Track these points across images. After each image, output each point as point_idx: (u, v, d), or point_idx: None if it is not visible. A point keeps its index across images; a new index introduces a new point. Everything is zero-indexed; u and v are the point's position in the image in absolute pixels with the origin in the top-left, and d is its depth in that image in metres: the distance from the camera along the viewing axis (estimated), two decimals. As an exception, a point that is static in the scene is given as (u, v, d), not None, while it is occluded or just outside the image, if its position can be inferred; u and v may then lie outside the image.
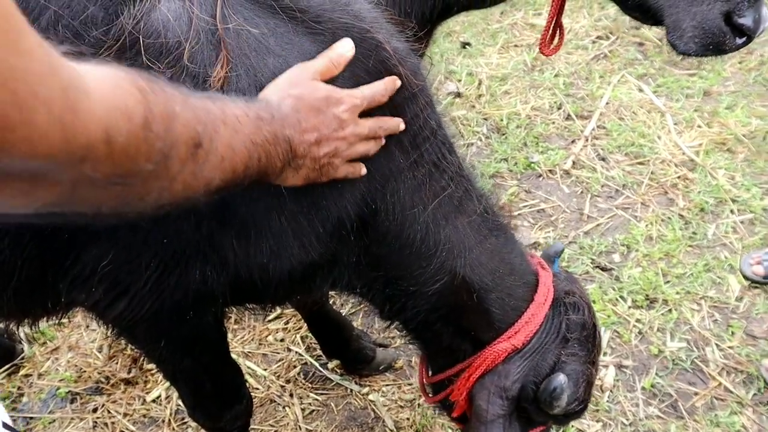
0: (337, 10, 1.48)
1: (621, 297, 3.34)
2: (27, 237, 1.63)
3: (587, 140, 4.28)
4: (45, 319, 1.98)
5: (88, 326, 3.35)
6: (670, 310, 3.28)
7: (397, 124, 1.54)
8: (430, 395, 2.04)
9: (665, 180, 3.99)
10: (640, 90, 4.67)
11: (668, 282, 3.40)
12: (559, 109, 4.56)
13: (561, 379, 1.70)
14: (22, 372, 3.17)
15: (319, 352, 3.12)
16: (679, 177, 4.00)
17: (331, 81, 1.44)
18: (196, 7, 1.39)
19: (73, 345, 3.28)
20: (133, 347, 2.17)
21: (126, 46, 1.38)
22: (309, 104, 1.36)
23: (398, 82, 1.50)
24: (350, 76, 1.47)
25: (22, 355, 3.22)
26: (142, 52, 1.38)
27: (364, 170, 1.53)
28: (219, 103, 1.16)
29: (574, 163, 4.13)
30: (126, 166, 0.93)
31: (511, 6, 5.43)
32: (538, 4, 5.47)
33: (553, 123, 4.44)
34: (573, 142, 4.30)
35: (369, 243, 1.69)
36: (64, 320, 3.37)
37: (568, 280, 1.93)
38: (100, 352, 3.23)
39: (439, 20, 2.63)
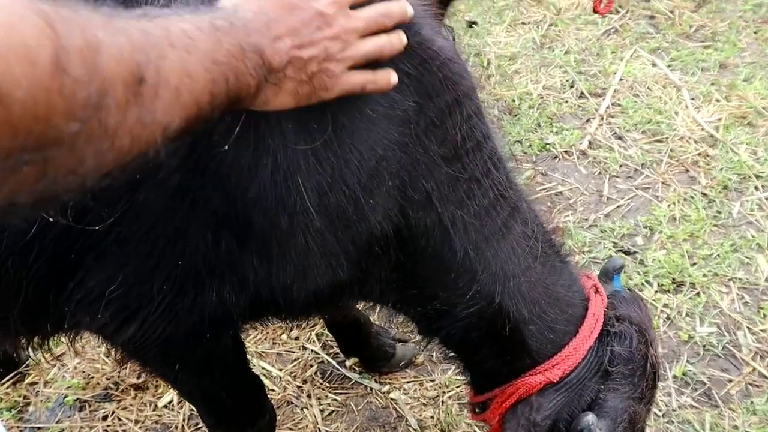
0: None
1: (647, 281, 3.21)
2: (31, 258, 1.47)
3: (602, 119, 4.13)
4: (54, 338, 1.85)
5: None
6: (698, 294, 3.15)
7: (404, 7, 1.23)
8: (475, 412, 1.93)
9: (685, 157, 3.85)
10: (654, 65, 4.52)
11: (695, 264, 3.27)
12: (571, 87, 4.41)
13: (589, 419, 1.56)
14: (28, 380, 3.05)
15: (336, 349, 3.00)
16: (699, 154, 3.86)
17: None
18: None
19: (80, 350, 3.15)
20: (145, 370, 2.03)
21: None
22: (277, 1, 1.08)
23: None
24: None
25: (27, 362, 3.10)
26: None
27: (393, 77, 1.25)
28: (159, 20, 0.87)
29: (590, 143, 3.98)
30: (37, 132, 0.67)
31: (517, -18, 5.26)
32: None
33: (566, 102, 4.29)
34: (588, 121, 4.15)
35: (404, 260, 1.55)
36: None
37: (628, 301, 1.77)
38: (108, 357, 3.10)
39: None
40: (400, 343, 2.96)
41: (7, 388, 3.01)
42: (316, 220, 1.37)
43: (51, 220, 1.31)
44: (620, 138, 4.02)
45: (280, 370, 2.98)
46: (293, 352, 3.05)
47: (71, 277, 1.51)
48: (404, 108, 1.35)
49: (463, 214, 1.50)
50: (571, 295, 1.72)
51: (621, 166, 3.84)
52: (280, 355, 3.05)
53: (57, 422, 2.89)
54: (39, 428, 2.89)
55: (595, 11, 2.56)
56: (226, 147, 1.25)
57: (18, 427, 2.89)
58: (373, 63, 1.23)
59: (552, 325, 1.67)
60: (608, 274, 1.85)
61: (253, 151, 1.30)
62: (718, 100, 4.19)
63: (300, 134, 1.30)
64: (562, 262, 1.74)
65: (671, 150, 3.90)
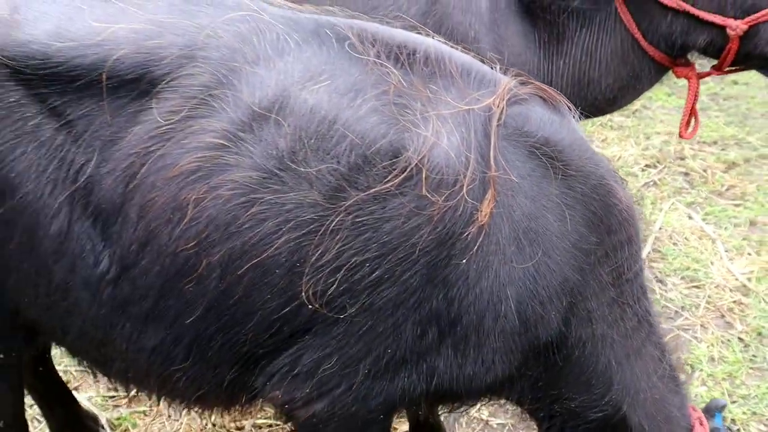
0: (583, 158, 1.81)
1: (689, 415, 3.43)
2: (268, 334, 1.88)
3: (645, 263, 4.48)
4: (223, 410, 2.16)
5: (170, 416, 3.46)
6: (738, 430, 3.37)
7: None
8: None
9: (721, 304, 4.15)
10: (690, 217, 4.92)
11: (734, 402, 3.50)
12: (614, 231, 4.79)
13: None
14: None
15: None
16: (734, 301, 4.17)
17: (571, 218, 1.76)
18: (474, 149, 1.69)
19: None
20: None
21: (410, 176, 1.65)
22: None
23: None
24: (581, 210, 1.79)
25: (107, 441, 3.32)
26: (423, 184, 1.65)
27: None
28: None
29: (632, 282, 4.31)
30: None
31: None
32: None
33: (610, 244, 4.66)
34: (630, 262, 4.50)
35: (554, 363, 1.90)
36: (146, 408, 3.48)
37: None
38: None
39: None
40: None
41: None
42: (511, 324, 1.76)
43: (309, 305, 1.71)
44: (661, 282, 4.35)
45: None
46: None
47: (280, 354, 1.86)
48: (589, 241, 1.81)
49: (613, 333, 1.90)
50: (681, 418, 2.04)
51: (662, 307, 4.15)
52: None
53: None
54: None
55: (680, 136, 3.03)
56: (466, 260, 1.68)
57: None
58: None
59: None
60: (710, 411, 2.15)
61: (481, 265, 1.73)
62: (749, 254, 4.55)
63: (518, 256, 1.75)
64: (677, 386, 2.06)
65: (708, 296, 4.22)
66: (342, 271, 1.76)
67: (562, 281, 1.82)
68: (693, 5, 2.76)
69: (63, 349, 2.31)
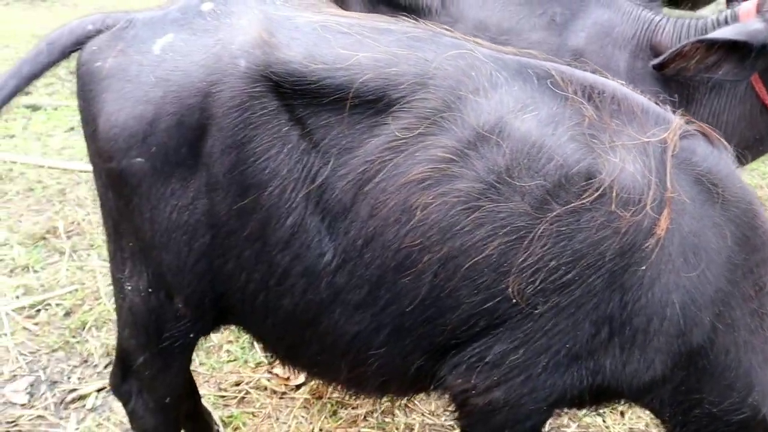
0: (736, 187, 2.17)
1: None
2: (442, 327, 2.19)
3: None
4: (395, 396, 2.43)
5: (278, 418, 3.68)
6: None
7: None
8: None
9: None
10: None
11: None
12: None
13: None
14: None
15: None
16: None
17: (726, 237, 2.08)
18: (654, 173, 2.01)
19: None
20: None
21: (602, 195, 2.00)
22: None
23: None
24: (734, 230, 2.13)
25: (220, 437, 3.55)
26: (613, 201, 1.99)
27: None
28: None
29: None
30: None
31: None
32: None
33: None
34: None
35: (701, 367, 2.20)
36: (255, 409, 3.72)
37: None
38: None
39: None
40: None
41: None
42: (674, 327, 2.07)
43: (512, 301, 2.02)
44: None
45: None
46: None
47: (469, 344, 2.15)
48: (738, 258, 2.15)
49: (753, 340, 2.19)
50: None
51: None
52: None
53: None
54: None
55: None
56: (643, 267, 1.97)
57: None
58: None
59: None
60: None
61: (654, 273, 2.06)
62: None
63: (684, 266, 2.08)
64: None
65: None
66: (541, 273, 2.07)
67: (716, 291, 2.14)
68: None
69: (245, 331, 2.60)
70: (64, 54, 2.32)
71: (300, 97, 2.11)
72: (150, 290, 2.34)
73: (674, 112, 2.28)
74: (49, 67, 2.32)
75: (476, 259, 2.07)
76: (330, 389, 3.69)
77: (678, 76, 2.93)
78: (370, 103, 2.11)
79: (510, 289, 2.07)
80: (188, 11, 2.26)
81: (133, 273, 2.36)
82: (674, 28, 3.15)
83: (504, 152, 2.06)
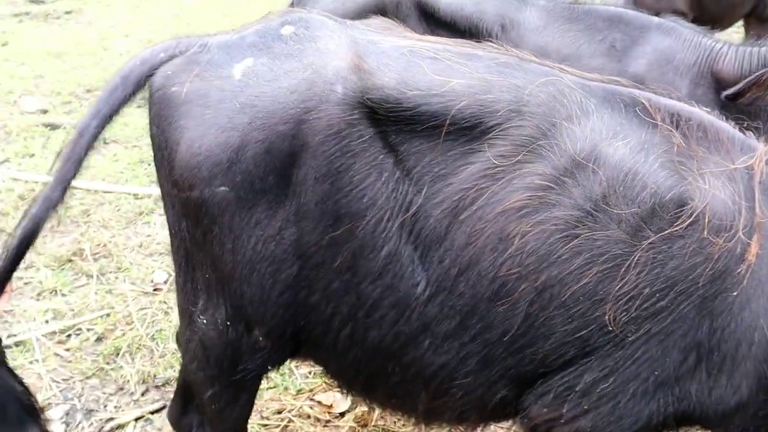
0: None
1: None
2: (533, 356, 2.17)
3: None
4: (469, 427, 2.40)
5: (321, 446, 3.62)
6: None
7: None
8: None
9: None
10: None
11: None
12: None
13: None
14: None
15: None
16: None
17: None
18: (744, 199, 2.01)
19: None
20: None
21: (695, 221, 1.99)
22: None
23: None
24: None
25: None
26: (705, 228, 1.97)
27: None
28: None
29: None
30: None
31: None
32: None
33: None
34: None
35: None
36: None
37: None
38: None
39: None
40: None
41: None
42: (762, 351, 2.08)
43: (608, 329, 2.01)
44: None
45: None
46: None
47: (557, 373, 2.13)
48: None
49: None
50: None
51: None
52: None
53: None
54: None
55: None
56: (735, 293, 1.95)
57: None
58: None
59: None
60: None
61: (744, 298, 2.06)
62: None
63: None
64: None
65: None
66: (636, 301, 2.06)
67: None
68: None
69: (317, 362, 2.54)
70: (140, 85, 2.26)
71: (393, 123, 2.09)
72: (228, 323, 2.27)
73: (758, 139, 2.28)
74: (126, 102, 2.25)
75: (573, 287, 2.05)
76: (375, 416, 3.64)
77: (751, 106, 2.95)
78: (465, 130, 2.09)
79: (606, 318, 2.05)
80: (267, 35, 2.22)
81: (208, 306, 2.29)
82: (736, 55, 3.18)
83: (600, 180, 2.05)
